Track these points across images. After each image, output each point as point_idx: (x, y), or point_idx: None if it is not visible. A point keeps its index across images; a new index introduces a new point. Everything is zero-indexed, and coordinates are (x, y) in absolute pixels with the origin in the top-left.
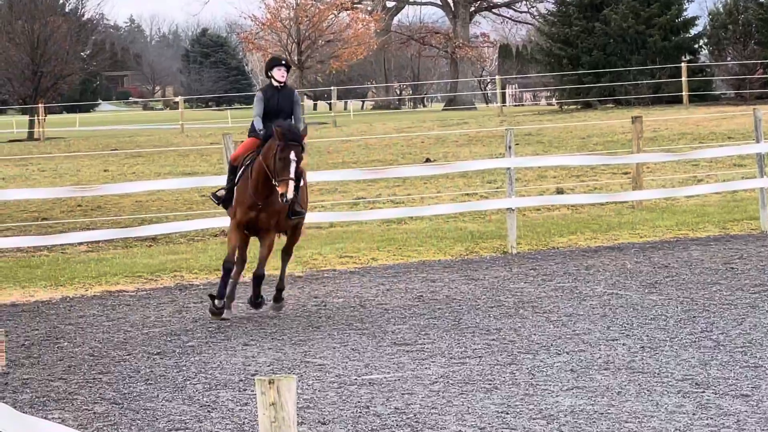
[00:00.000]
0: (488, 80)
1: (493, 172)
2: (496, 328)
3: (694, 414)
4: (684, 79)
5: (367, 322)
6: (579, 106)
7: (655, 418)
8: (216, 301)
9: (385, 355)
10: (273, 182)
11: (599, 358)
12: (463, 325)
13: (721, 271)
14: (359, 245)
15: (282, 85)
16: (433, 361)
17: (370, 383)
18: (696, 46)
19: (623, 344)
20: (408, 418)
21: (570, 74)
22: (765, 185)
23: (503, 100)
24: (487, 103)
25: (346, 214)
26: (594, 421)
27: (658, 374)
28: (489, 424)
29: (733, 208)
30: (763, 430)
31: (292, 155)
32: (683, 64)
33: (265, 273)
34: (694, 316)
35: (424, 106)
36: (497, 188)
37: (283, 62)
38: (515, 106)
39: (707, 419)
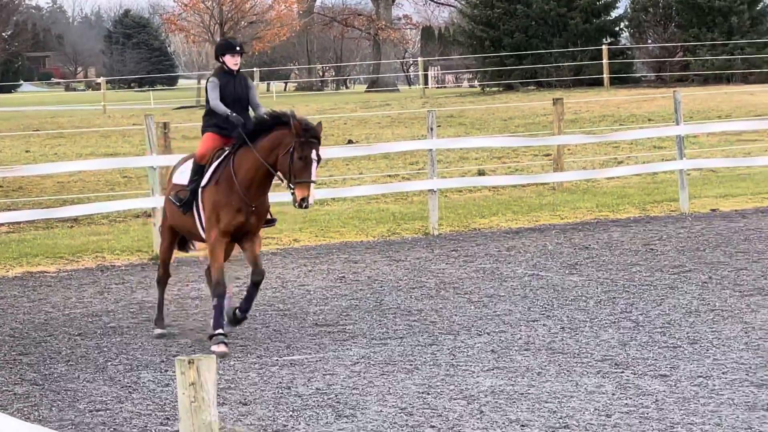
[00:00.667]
0: (411, 62)
1: (415, 154)
2: (417, 309)
3: (613, 394)
4: (605, 61)
5: (288, 303)
6: (501, 88)
7: (575, 398)
8: (219, 336)
9: (307, 336)
10: (287, 185)
11: (520, 338)
12: (385, 306)
13: (641, 253)
14: (281, 226)
15: (234, 71)
16: (354, 342)
17: (291, 364)
18: (617, 28)
19: (544, 325)
20: (329, 399)
21: (492, 56)
22: (684, 167)
23: (425, 82)
24: (409, 85)
25: (272, 195)
26: (514, 402)
27: (578, 355)
28: (410, 404)
29: (653, 189)
30: (681, 409)
31: (314, 154)
32: (604, 47)
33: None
34: (614, 297)
35: (347, 87)
36: (419, 170)
37: (237, 48)
38: (437, 87)
39: (626, 399)
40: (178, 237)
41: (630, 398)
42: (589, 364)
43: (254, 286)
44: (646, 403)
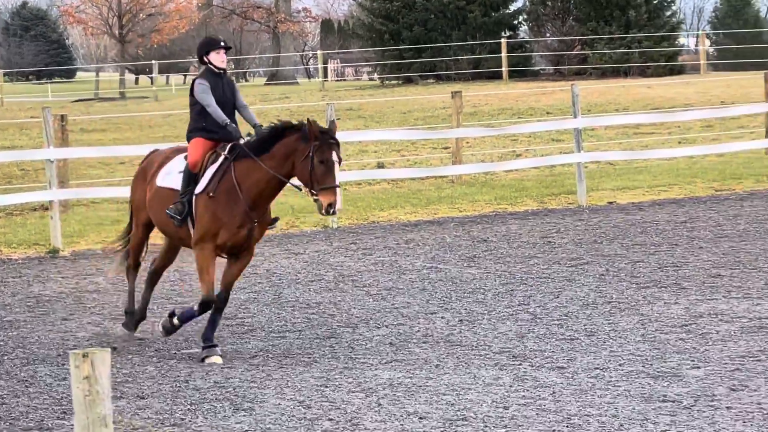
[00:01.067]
0: (310, 55)
1: None
2: (315, 302)
3: (510, 386)
4: (504, 54)
5: (187, 296)
6: (400, 81)
7: (473, 391)
8: (175, 320)
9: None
10: (309, 192)
11: (418, 331)
12: (283, 299)
13: (538, 245)
14: None
15: (222, 71)
16: (252, 335)
17: (189, 357)
18: (515, 22)
19: (442, 317)
20: (227, 392)
21: (391, 49)
22: (582, 160)
23: (325, 75)
24: (309, 78)
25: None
26: (412, 394)
27: (475, 347)
28: (308, 397)
29: (551, 182)
30: (578, 401)
31: (334, 156)
32: (503, 40)
33: None
34: (511, 290)
35: (247, 80)
36: None
37: (223, 44)
38: (337, 80)
39: (523, 391)
40: (150, 232)
41: (527, 390)
42: (487, 356)
43: (216, 312)
44: (544, 395)
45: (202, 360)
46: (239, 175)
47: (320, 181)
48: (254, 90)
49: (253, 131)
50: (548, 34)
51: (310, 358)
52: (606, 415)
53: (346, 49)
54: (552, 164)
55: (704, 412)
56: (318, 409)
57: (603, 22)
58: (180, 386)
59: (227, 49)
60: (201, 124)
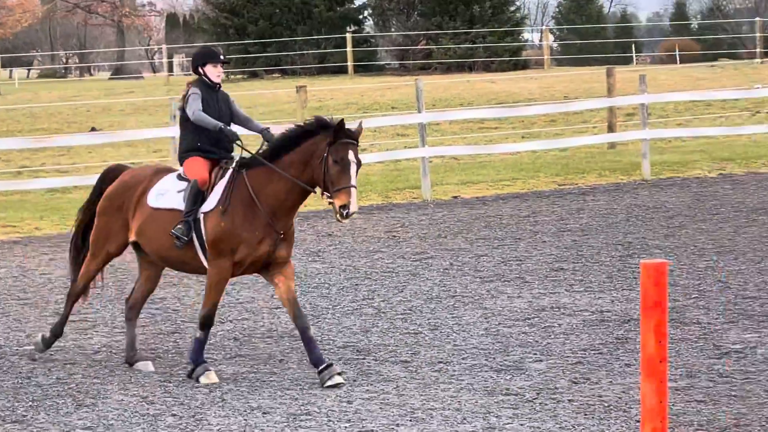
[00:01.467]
0: (156, 49)
1: (159, 141)
2: (159, 297)
3: (354, 380)
4: (349, 49)
5: (29, 292)
6: (245, 76)
7: (317, 385)
8: (199, 370)
9: (47, 326)
10: (323, 195)
11: (262, 326)
12: (127, 294)
13: (383, 240)
14: (22, 214)
15: (218, 85)
16: (96, 331)
17: (30, 354)
18: (360, 16)
19: (286, 312)
20: (70, 388)
21: (236, 44)
22: (426, 155)
23: (170, 70)
24: (154, 73)
25: (9, 183)
26: (256, 389)
27: (320, 341)
28: (151, 393)
29: (396, 177)
30: (421, 395)
31: (351, 155)
32: (348, 35)
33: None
34: (356, 284)
35: (91, 74)
36: (163, 158)
37: (221, 57)
38: (183, 75)
39: (367, 385)
40: (111, 259)
41: (371, 384)
42: (331, 350)
43: (304, 332)
44: (387, 389)
45: (323, 384)
46: (255, 186)
47: (335, 182)
48: (99, 84)
49: (261, 138)
50: (393, 29)
51: (153, 353)
52: (449, 409)
53: (191, 43)
54: (396, 159)
55: (546, 405)
56: (161, 405)
57: (447, 17)
58: (22, 383)
59: (225, 63)
60: (196, 144)
